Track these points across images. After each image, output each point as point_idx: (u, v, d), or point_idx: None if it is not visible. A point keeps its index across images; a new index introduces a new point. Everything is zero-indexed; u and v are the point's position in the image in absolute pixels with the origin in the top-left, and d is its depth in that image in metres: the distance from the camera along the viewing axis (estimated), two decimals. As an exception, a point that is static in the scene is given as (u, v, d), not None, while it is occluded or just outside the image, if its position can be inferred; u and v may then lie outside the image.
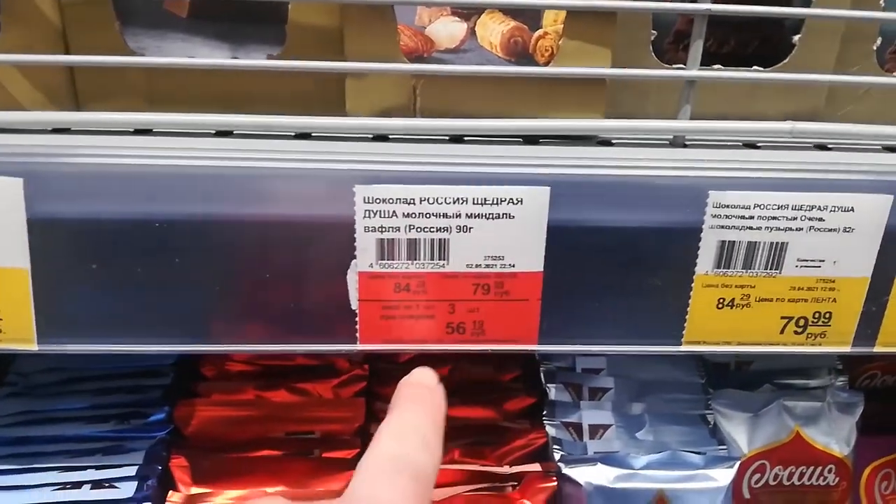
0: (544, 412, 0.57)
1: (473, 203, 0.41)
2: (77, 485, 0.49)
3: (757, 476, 0.61)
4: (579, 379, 0.60)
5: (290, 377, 0.58)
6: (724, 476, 0.53)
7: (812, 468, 0.61)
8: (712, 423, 0.59)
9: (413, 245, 0.41)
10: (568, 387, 0.59)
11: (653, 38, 0.43)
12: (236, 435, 0.54)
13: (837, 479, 0.62)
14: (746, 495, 0.61)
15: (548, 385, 0.59)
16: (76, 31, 0.39)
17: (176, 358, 0.59)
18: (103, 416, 0.53)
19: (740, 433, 0.60)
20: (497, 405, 0.58)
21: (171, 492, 0.51)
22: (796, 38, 0.44)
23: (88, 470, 0.50)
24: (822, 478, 0.62)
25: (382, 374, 0.59)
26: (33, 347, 0.42)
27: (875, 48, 0.45)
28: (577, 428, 0.57)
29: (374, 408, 0.57)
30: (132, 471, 0.50)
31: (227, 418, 0.55)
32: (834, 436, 0.62)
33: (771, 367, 0.63)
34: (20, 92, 0.40)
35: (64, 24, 0.39)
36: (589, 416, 0.57)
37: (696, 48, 0.40)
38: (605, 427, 0.57)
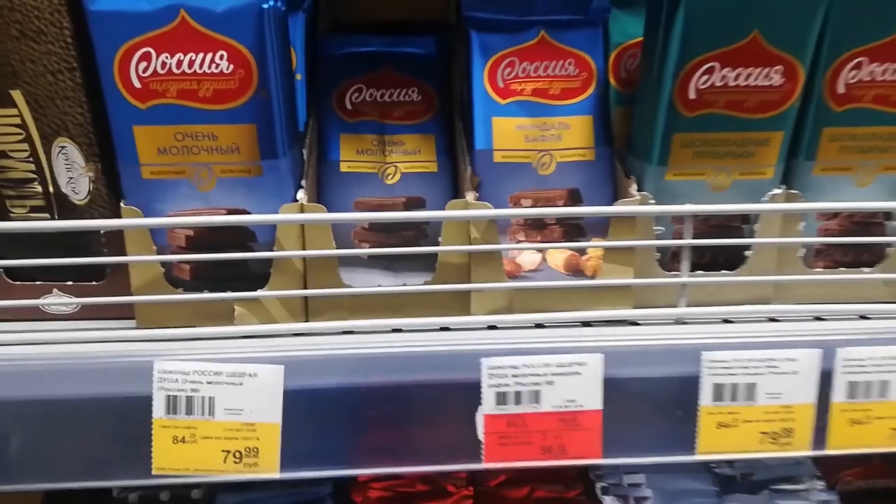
0: (603, 516, 0.78)
1: (556, 366, 0.65)
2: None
3: (766, 561, 0.81)
4: (626, 491, 0.81)
5: (414, 499, 0.80)
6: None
7: (806, 553, 0.81)
8: (728, 521, 0.80)
9: (517, 395, 0.65)
10: (619, 498, 0.80)
11: (658, 258, 0.69)
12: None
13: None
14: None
15: (603, 496, 0.81)
16: (313, 275, 0.65)
17: (331, 489, 0.81)
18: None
19: (749, 527, 0.81)
20: (568, 512, 0.79)
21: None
22: (748, 252, 0.70)
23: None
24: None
25: (482, 495, 0.81)
26: (276, 475, 0.64)
27: (801, 255, 0.71)
28: (628, 528, 0.78)
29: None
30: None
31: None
32: (820, 528, 0.82)
33: (768, 476, 0.84)
34: (277, 314, 0.66)
35: (305, 271, 0.65)
36: (636, 517, 0.78)
37: (685, 264, 0.66)
38: (649, 525, 0.78)
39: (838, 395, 0.67)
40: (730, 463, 0.86)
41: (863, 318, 0.70)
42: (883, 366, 0.67)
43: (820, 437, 0.67)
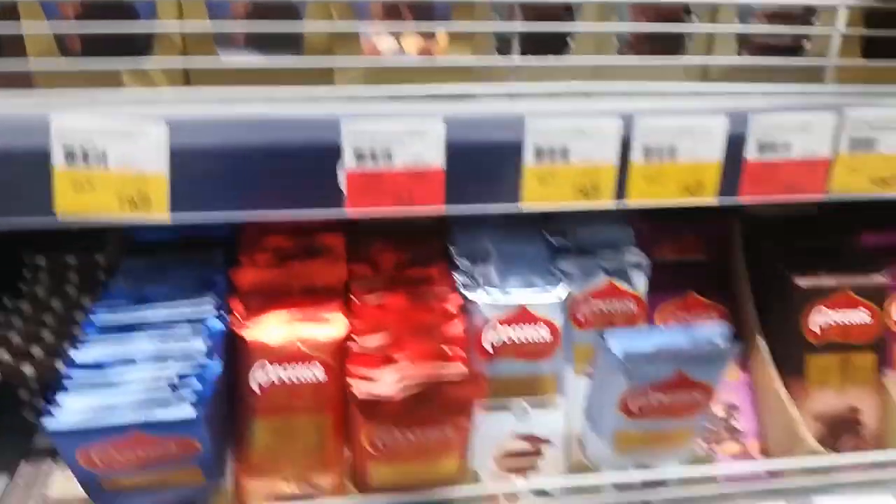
0: (455, 271, 0.95)
1: (404, 130, 0.77)
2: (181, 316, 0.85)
3: (584, 308, 1.00)
4: (475, 253, 0.98)
5: (297, 256, 0.94)
6: (562, 294, 0.92)
7: (620, 302, 1.00)
8: (557, 275, 0.98)
9: (373, 154, 0.78)
10: (468, 258, 0.97)
11: (497, 46, 0.82)
12: (266, 288, 0.90)
13: (637, 309, 1.01)
14: (580, 318, 0.99)
15: (457, 257, 0.97)
16: (192, 51, 0.75)
17: (224, 251, 0.94)
18: (190, 277, 0.89)
19: (575, 282, 0.99)
20: (427, 268, 0.95)
21: (231, 316, 0.86)
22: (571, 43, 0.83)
23: (185, 309, 0.85)
24: (627, 309, 1.01)
25: (354, 255, 0.96)
26: (167, 218, 0.76)
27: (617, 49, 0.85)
28: (474, 279, 0.95)
29: (351, 274, 0.93)
30: (212, 306, 0.85)
31: (261, 279, 0.90)
32: (633, 284, 1.01)
33: (592, 242, 1.02)
34: (159, 80, 0.75)
35: (185, 46, 0.75)
36: (480, 271, 0.95)
37: (515, 47, 0.79)
38: (490, 277, 0.95)
39: (636, 157, 0.83)
40: (563, 234, 1.03)
41: (660, 96, 0.85)
42: (672, 133, 0.82)
43: (621, 192, 0.84)
